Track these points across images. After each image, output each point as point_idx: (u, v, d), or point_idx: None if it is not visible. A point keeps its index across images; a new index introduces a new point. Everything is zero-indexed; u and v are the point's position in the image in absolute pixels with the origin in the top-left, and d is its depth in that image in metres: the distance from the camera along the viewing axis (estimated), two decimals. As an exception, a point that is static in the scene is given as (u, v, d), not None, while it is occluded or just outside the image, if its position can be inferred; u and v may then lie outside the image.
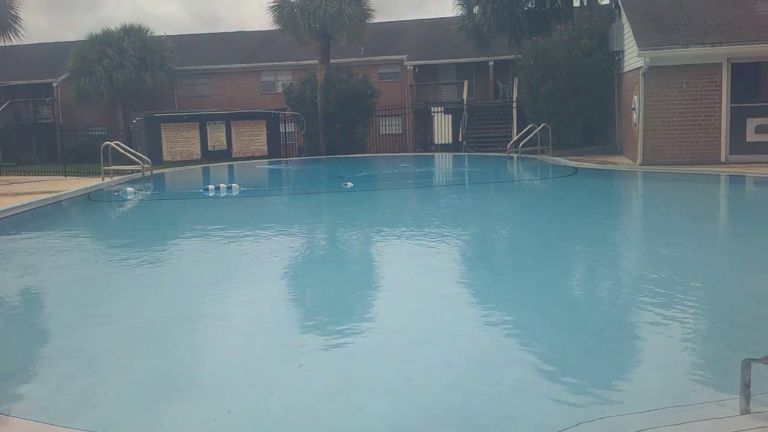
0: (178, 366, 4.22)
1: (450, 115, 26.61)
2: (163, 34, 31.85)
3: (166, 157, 23.71)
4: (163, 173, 19.50)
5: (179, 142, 24.23)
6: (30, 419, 3.37)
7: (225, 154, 24.40)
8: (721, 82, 14.27)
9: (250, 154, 24.65)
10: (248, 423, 3.37)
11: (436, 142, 26.63)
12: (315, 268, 7.19)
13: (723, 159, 14.35)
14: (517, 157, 18.98)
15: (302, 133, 25.58)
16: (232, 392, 3.75)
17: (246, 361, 4.27)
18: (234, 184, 14.62)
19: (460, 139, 25.78)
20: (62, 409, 3.60)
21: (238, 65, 32.02)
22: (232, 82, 32.15)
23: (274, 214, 11.77)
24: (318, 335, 4.76)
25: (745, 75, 14.45)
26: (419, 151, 26.97)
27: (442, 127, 26.52)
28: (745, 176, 12.90)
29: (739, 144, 14.43)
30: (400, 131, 29.46)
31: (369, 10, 24.80)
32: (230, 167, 21.88)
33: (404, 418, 3.37)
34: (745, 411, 3.33)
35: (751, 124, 14.40)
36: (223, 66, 32.04)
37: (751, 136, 14.43)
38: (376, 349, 4.43)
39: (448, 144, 26.27)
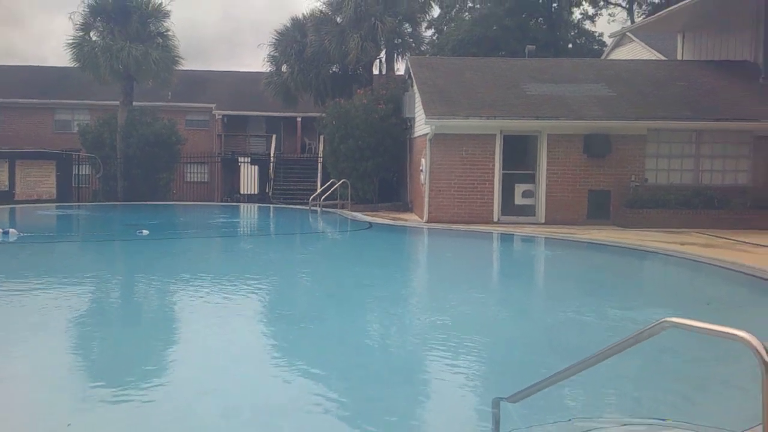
0: None
1: (257, 166, 26.94)
2: (-60, 61, 28.78)
3: (-66, 196, 21.21)
4: (-73, 214, 17.43)
5: (-49, 179, 21.82)
6: None
7: (7, 196, 22.33)
8: (494, 151, 16.14)
9: (36, 197, 22.81)
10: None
11: (242, 192, 26.71)
12: (94, 321, 6.98)
13: (496, 219, 16.13)
14: (319, 211, 19.68)
15: (98, 176, 24.27)
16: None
17: (8, 418, 4.09)
18: (12, 229, 13.56)
19: (267, 191, 26.11)
20: None
21: (28, 100, 29.74)
22: (22, 118, 29.73)
23: (56, 263, 11.09)
24: (93, 391, 4.66)
25: (514, 146, 16.47)
26: (226, 201, 26.80)
27: (249, 178, 26.73)
28: (513, 234, 14.62)
29: (509, 206, 16.33)
30: (207, 180, 29.11)
31: (177, 57, 24.53)
32: (11, 210, 20.07)
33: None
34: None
35: (519, 189, 16.41)
36: (10, 100, 29.56)
37: (518, 200, 16.41)
38: (155, 404, 4.42)
39: (255, 195, 26.49)
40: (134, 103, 24.60)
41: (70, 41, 23.34)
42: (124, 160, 23.45)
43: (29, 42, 59.92)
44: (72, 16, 23.64)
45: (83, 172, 24.94)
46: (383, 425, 4.17)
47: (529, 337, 6.41)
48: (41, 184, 23.20)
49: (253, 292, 8.66)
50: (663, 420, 4.11)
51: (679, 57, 21.25)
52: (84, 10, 23.62)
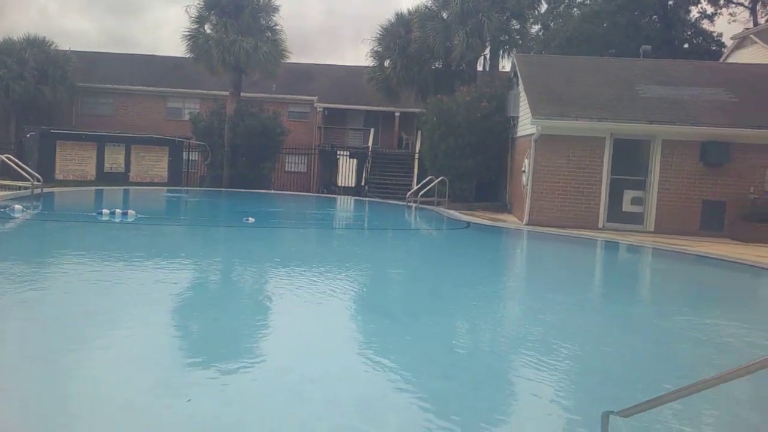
0: (56, 399, 4.14)
1: (355, 160, 27.26)
2: (68, 49, 30.80)
3: (59, 175, 22.75)
4: (54, 192, 18.70)
5: (74, 160, 23.33)
6: None
7: (122, 178, 23.71)
8: (603, 154, 15.57)
9: (148, 180, 24.09)
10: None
11: (339, 185, 27.13)
12: (206, 303, 7.22)
13: (601, 225, 15.57)
14: (415, 207, 19.67)
15: (206, 163, 25.31)
16: (114, 426, 3.78)
17: (130, 395, 4.25)
18: (130, 210, 14.30)
19: (363, 184, 26.39)
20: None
21: (144, 88, 31.38)
22: (137, 104, 31.43)
23: (170, 245, 11.62)
24: (206, 371, 4.80)
25: (624, 150, 15.81)
26: (323, 192, 27.30)
27: (347, 171, 27.09)
28: (618, 243, 14.02)
29: (615, 213, 15.72)
30: (305, 170, 29.76)
31: (284, 50, 25.19)
32: (126, 191, 21.27)
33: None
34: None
35: (628, 195, 15.75)
36: (128, 87, 31.29)
37: (626, 207, 15.77)
38: (264, 387, 4.55)
39: (351, 187, 26.83)
40: (242, 94, 25.45)
41: (186, 33, 24.43)
42: (231, 148, 24.33)
43: (144, 30, 63.34)
44: (188, 9, 24.76)
45: (192, 158, 26.12)
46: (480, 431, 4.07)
47: (635, 351, 6.12)
48: (154, 168, 24.48)
49: (354, 285, 8.73)
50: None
51: (810, 61, 19.75)
52: (199, 4, 24.66)
